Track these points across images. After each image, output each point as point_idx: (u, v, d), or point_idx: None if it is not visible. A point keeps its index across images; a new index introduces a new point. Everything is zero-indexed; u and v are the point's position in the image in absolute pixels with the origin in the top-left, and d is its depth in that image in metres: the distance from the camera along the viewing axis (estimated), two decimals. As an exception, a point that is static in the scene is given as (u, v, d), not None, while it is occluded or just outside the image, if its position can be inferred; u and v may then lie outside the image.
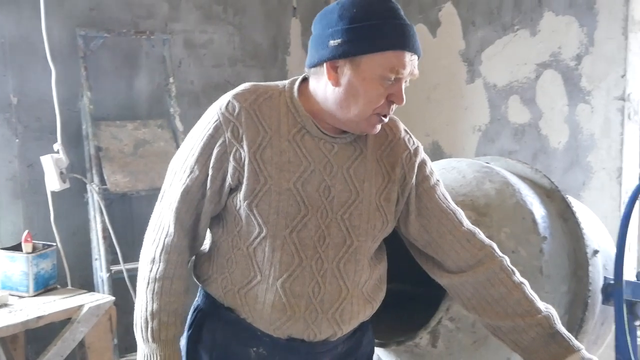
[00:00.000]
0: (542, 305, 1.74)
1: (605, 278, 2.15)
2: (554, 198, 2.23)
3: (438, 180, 1.84)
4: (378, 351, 2.32)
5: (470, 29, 3.75)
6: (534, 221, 2.06)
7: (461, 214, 1.83)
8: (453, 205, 1.83)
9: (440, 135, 3.90)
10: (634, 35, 3.39)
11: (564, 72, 3.50)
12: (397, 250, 1.94)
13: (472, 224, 1.97)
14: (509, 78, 3.65)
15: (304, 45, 4.17)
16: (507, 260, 1.79)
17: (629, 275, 2.14)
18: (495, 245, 1.81)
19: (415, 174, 1.78)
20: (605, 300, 2.11)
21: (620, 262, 1.92)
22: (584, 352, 1.68)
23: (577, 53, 3.45)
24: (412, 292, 2.04)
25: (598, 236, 2.28)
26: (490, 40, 3.69)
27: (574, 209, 2.19)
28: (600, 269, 2.16)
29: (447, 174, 2.18)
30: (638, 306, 2.03)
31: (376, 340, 2.10)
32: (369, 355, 1.95)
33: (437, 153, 3.86)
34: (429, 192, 1.80)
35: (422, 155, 1.82)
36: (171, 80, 3.39)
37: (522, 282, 1.77)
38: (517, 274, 1.78)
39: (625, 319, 1.98)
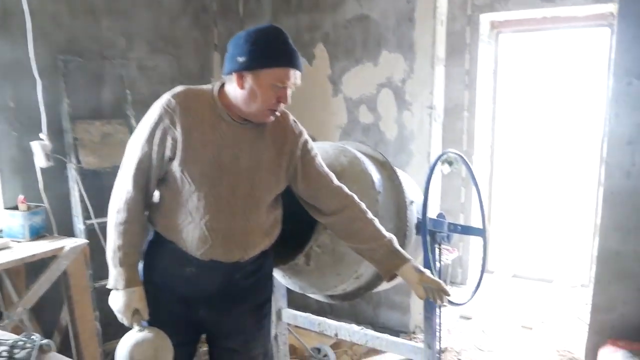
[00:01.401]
0: (386, 233, 1.84)
1: (417, 219, 2.20)
2: (385, 167, 2.27)
3: (316, 154, 1.89)
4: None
5: (335, 61, 3.76)
6: (372, 182, 2.09)
7: (332, 175, 1.88)
8: (327, 169, 1.87)
9: (315, 131, 3.87)
10: (438, 68, 3.50)
11: (395, 90, 3.56)
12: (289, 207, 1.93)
13: (333, 183, 1.98)
14: (359, 93, 3.69)
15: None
16: (363, 205, 1.86)
17: (432, 215, 2.20)
18: (355, 196, 1.86)
19: (299, 148, 1.81)
20: (417, 233, 2.16)
21: (425, 205, 1.97)
22: (413, 262, 1.82)
23: (403, 77, 3.53)
24: (293, 230, 2.02)
25: (414, 193, 2.34)
26: (347, 68, 3.72)
27: (398, 174, 2.24)
28: (414, 213, 2.22)
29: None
30: (437, 235, 2.09)
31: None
32: (268, 275, 1.96)
33: (313, 143, 3.86)
34: (310, 161, 1.84)
35: (305, 136, 1.87)
36: (128, 92, 3.23)
37: (373, 219, 1.85)
38: (370, 213, 1.85)
39: (429, 243, 2.04)
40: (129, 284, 1.63)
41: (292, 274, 2.11)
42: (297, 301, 3.06)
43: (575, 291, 4.66)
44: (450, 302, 2.05)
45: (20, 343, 1.10)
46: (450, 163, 4.65)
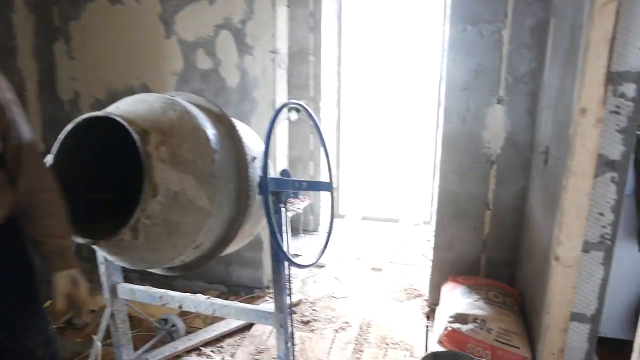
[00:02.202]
0: (48, 234, 1.62)
1: (260, 177, 2.02)
2: (223, 121, 2.03)
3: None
4: (96, 249, 1.97)
5: (166, -3, 3.33)
6: (207, 139, 1.84)
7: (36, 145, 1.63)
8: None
9: (148, 78, 3.48)
10: (279, 8, 3.27)
11: (234, 32, 3.27)
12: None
13: (162, 144, 1.72)
14: (196, 35, 3.33)
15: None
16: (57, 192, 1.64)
17: (277, 172, 2.04)
18: (51, 179, 1.63)
19: None
20: (260, 192, 1.99)
21: (265, 162, 1.79)
22: (73, 271, 1.63)
23: (243, 18, 3.24)
24: (114, 200, 1.72)
25: (256, 148, 2.15)
26: (180, 6, 3.31)
27: (237, 128, 2.02)
28: (257, 171, 2.04)
29: (139, 105, 1.85)
30: (282, 194, 1.94)
31: (88, 240, 1.76)
32: (13, 254, 1.65)
33: (147, 92, 3.43)
34: None
35: None
36: None
37: (58, 210, 1.64)
38: (58, 203, 1.64)
39: (272, 203, 1.88)
40: None
41: (119, 250, 1.82)
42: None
43: (419, 229, 4.95)
44: (298, 265, 1.94)
45: None
46: (297, 110, 4.54)
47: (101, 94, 3.56)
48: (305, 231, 4.87)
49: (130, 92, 3.46)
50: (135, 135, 1.68)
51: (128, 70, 3.49)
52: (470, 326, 2.46)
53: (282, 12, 3.32)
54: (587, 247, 2.10)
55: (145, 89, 3.46)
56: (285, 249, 1.91)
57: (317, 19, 4.52)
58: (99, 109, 1.75)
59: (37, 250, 1.61)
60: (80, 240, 1.75)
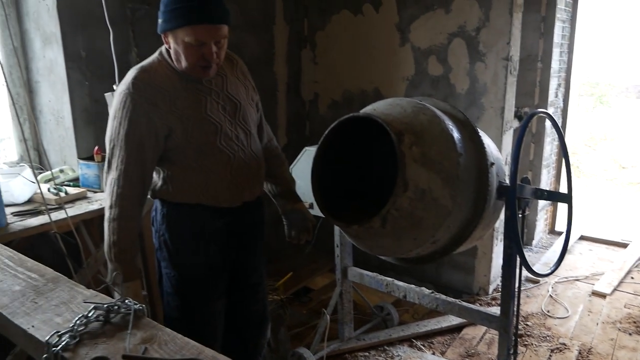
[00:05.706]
0: (290, 178, 2.21)
1: (499, 182, 2.09)
2: (466, 126, 2.14)
3: None
4: (343, 232, 2.25)
5: (403, 7, 3.56)
6: (453, 142, 1.97)
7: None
8: None
9: (380, 83, 3.76)
10: (516, 15, 3.26)
11: (468, 40, 3.36)
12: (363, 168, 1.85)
13: (414, 144, 1.91)
14: (429, 43, 3.50)
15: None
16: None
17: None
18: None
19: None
20: (498, 197, 2.05)
21: (515, 172, 1.85)
22: (302, 204, 2.20)
23: (477, 26, 3.31)
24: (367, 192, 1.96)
25: (493, 153, 2.21)
26: (416, 15, 3.51)
27: (480, 134, 2.11)
28: (495, 176, 2.11)
29: (393, 109, 2.07)
30: (522, 201, 1.98)
31: (341, 223, 2.04)
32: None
33: (378, 96, 3.72)
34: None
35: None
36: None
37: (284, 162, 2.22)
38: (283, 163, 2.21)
39: (517, 209, 1.94)
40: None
41: (366, 235, 2.06)
42: (355, 256, 3.03)
43: (650, 256, 4.43)
44: (535, 273, 1.96)
45: (115, 307, 1.11)
46: (520, 118, 4.44)
47: (337, 96, 3.96)
48: (516, 243, 4.72)
49: (363, 95, 3.79)
50: (393, 136, 1.90)
51: (363, 75, 3.82)
52: None
53: (517, 19, 3.30)
54: None
55: (377, 92, 3.76)
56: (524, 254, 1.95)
57: (549, 24, 4.34)
58: (335, 110, 2.03)
59: (272, 194, 2.17)
60: (336, 223, 2.04)
